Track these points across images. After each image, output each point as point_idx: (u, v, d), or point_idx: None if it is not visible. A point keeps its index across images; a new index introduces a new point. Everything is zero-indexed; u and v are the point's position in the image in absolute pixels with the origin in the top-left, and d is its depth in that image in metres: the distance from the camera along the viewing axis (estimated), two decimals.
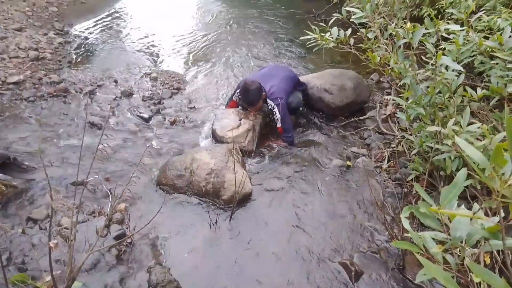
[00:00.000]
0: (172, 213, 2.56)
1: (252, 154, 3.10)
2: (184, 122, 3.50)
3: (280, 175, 2.91)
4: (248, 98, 3.15)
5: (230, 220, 2.50)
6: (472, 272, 0.78)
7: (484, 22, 2.79)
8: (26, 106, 3.45)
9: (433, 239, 0.99)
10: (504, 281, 0.68)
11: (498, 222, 0.81)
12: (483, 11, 2.91)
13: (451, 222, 0.93)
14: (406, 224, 0.97)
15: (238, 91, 3.31)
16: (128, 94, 3.82)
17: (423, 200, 0.90)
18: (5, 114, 3.29)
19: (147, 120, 3.46)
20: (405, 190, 2.71)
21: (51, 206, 1.14)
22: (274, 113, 3.17)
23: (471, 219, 0.93)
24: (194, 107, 3.76)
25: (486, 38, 2.46)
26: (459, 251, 1.00)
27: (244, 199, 2.64)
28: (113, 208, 2.21)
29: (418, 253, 0.88)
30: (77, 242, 2.24)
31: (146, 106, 3.68)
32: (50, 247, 1.27)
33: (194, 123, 3.52)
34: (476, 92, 2.24)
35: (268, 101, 3.19)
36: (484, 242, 0.94)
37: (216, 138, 3.16)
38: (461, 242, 0.96)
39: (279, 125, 3.18)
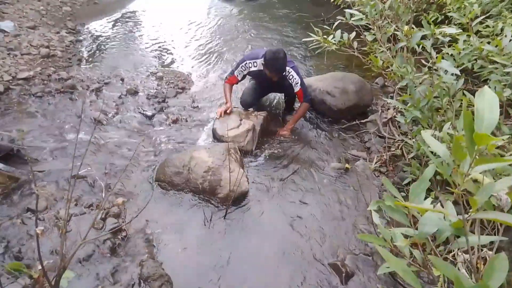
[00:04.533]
0: (168, 209, 2.59)
1: (251, 154, 3.11)
2: (187, 121, 3.54)
3: (278, 176, 2.92)
4: (278, 65, 3.09)
5: (224, 218, 2.52)
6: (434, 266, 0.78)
7: (489, 27, 2.77)
8: (33, 101, 3.53)
9: (407, 235, 0.99)
10: (457, 273, 0.68)
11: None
12: (486, 16, 2.88)
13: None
14: (375, 218, 0.97)
15: (248, 62, 3.28)
16: (133, 92, 3.88)
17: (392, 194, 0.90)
18: (13, 108, 3.38)
19: (150, 118, 3.51)
20: (402, 194, 2.69)
21: (36, 194, 1.17)
22: (291, 76, 3.21)
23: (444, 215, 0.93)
24: (198, 106, 3.80)
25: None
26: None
27: (240, 198, 2.66)
28: (108, 201, 2.25)
29: (383, 246, 0.88)
30: (73, 234, 2.29)
31: (150, 105, 3.74)
32: (37, 234, 1.31)
33: (196, 122, 3.55)
34: (475, 97, 2.21)
35: None
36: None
37: (216, 137, 3.19)
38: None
39: (297, 88, 3.24)
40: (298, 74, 3.25)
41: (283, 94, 3.75)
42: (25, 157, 2.66)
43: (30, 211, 2.39)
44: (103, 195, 2.15)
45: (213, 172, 2.67)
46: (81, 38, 5.19)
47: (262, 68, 3.19)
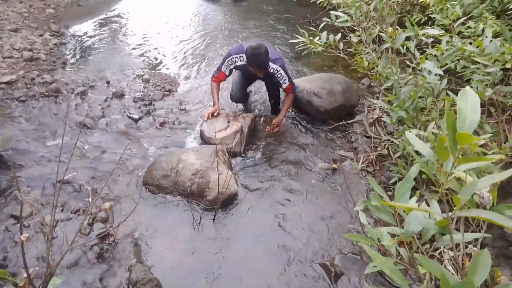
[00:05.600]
0: (156, 213, 2.57)
1: (239, 156, 3.11)
2: (174, 124, 3.52)
3: (266, 177, 2.93)
4: (259, 61, 3.07)
5: (213, 220, 2.52)
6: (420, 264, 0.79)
7: (471, 28, 2.83)
8: (17, 105, 3.47)
9: (394, 234, 1.00)
10: (442, 271, 0.70)
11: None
12: (467, 18, 2.94)
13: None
14: (362, 218, 0.98)
15: (234, 57, 3.23)
16: (120, 95, 3.84)
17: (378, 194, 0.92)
18: None
19: (136, 121, 3.48)
20: (389, 193, 2.72)
21: (20, 200, 1.15)
22: (280, 75, 3.21)
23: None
24: (185, 108, 3.78)
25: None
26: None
27: (229, 200, 2.65)
28: (95, 205, 2.22)
29: (370, 245, 0.90)
30: (59, 240, 2.25)
31: (137, 107, 3.70)
32: (22, 241, 1.28)
33: (184, 124, 3.54)
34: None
35: (270, 64, 3.17)
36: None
37: (204, 140, 3.18)
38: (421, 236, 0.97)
39: (286, 85, 3.28)
40: (286, 72, 3.25)
41: (269, 98, 3.75)
42: (8, 162, 2.60)
43: (14, 218, 2.34)
44: (90, 200, 2.12)
45: (201, 174, 2.66)
46: (65, 40, 5.12)
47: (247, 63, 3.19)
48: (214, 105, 3.33)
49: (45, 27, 5.36)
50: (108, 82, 4.09)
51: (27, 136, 3.08)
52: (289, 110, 3.63)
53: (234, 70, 3.40)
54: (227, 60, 3.26)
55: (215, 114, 3.28)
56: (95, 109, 3.58)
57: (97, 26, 5.76)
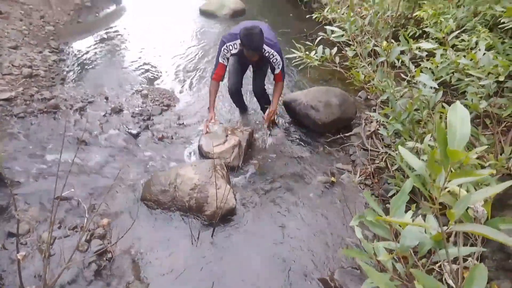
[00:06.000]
0: (155, 229, 2.56)
1: (238, 170, 3.11)
2: (172, 138, 3.53)
3: (264, 191, 2.93)
4: (253, 42, 2.98)
5: (212, 235, 2.50)
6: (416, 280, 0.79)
7: (465, 41, 2.87)
8: (15, 122, 3.48)
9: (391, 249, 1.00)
10: (437, 285, 0.70)
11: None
12: (461, 31, 2.98)
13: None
14: (358, 233, 0.98)
15: (228, 45, 3.17)
16: (118, 111, 3.86)
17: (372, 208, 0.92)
18: None
19: (135, 136, 3.49)
20: (388, 205, 2.72)
21: (17, 219, 1.15)
22: (276, 59, 3.18)
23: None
24: (183, 123, 3.80)
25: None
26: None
27: (227, 214, 2.64)
28: (93, 222, 2.21)
29: (367, 260, 0.90)
30: (57, 257, 2.24)
31: (135, 123, 3.72)
32: (18, 259, 1.28)
33: (182, 139, 3.55)
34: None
35: (265, 47, 3.12)
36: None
37: (202, 154, 3.19)
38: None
39: (277, 70, 3.25)
40: (282, 58, 3.22)
41: (263, 109, 3.76)
42: (5, 180, 2.60)
43: (11, 235, 2.32)
44: (87, 216, 2.11)
45: (199, 189, 2.65)
46: (64, 57, 5.16)
47: (241, 47, 3.14)
48: (210, 111, 3.34)
49: (45, 44, 5.41)
50: (106, 98, 4.11)
51: (25, 153, 3.09)
52: (276, 114, 3.67)
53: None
54: (222, 49, 3.20)
55: (212, 121, 3.29)
56: (94, 124, 3.60)
57: (96, 42, 5.82)
